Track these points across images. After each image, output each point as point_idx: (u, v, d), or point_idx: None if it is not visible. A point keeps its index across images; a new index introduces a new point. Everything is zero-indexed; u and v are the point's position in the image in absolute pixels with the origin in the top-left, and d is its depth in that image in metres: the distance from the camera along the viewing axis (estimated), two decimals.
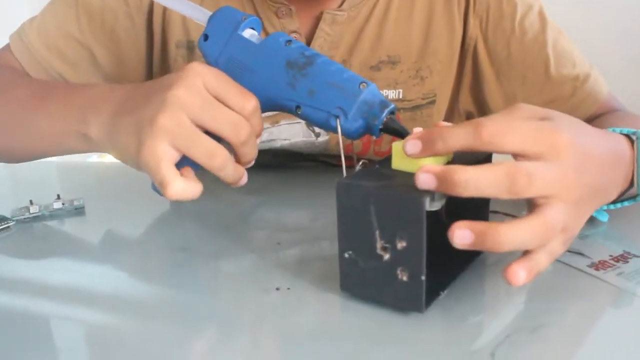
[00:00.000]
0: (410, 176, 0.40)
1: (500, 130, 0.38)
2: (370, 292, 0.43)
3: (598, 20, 1.76)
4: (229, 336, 0.41)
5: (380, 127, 0.47)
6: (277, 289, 0.46)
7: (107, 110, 0.53)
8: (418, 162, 0.41)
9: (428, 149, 0.40)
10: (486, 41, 0.75)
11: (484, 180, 0.37)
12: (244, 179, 0.53)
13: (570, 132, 0.40)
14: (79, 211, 0.65)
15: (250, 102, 0.49)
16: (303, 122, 0.73)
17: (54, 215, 0.64)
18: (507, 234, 0.37)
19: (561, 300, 0.44)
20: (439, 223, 0.39)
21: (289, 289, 0.46)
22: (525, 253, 0.39)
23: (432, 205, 0.39)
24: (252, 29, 0.54)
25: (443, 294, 0.44)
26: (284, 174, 0.78)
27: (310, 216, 0.62)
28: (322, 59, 0.50)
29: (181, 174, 0.49)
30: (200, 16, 0.55)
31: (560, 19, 0.77)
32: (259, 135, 0.52)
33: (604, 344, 0.39)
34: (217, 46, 0.53)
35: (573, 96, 0.74)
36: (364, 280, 0.43)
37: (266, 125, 0.74)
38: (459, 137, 0.39)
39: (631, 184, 0.51)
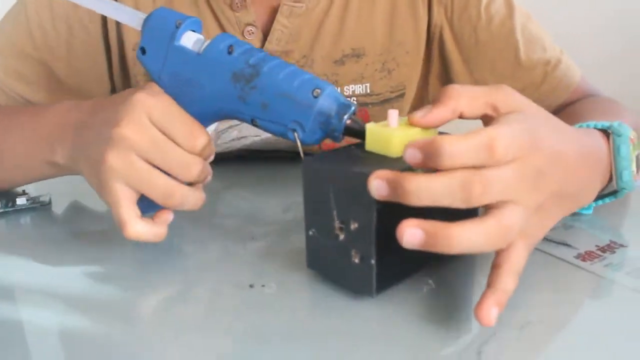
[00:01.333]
0: (380, 158, 0.40)
1: (497, 140, 0.35)
2: (331, 272, 0.44)
3: (577, 13, 1.75)
4: (202, 335, 0.39)
5: (342, 132, 0.44)
6: (251, 285, 0.44)
7: (70, 138, 0.52)
8: (390, 144, 0.40)
9: (430, 162, 0.36)
10: (452, 28, 0.72)
11: (437, 190, 0.35)
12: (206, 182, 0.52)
13: (540, 133, 0.39)
14: (45, 207, 0.63)
15: (199, 140, 0.47)
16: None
17: (19, 211, 0.61)
18: (460, 236, 0.35)
19: (548, 295, 0.43)
20: (400, 207, 0.36)
21: (263, 286, 0.44)
22: (489, 283, 0.38)
23: None
24: (193, 31, 0.49)
25: (430, 285, 0.43)
26: (256, 165, 0.75)
27: (284, 208, 0.60)
28: (268, 65, 0.45)
29: (155, 216, 0.48)
30: (134, 21, 0.50)
31: (537, 11, 0.76)
32: (210, 156, 0.50)
33: (593, 337, 0.38)
34: (156, 61, 0.49)
35: (544, 82, 0.72)
36: (325, 259, 0.43)
37: (234, 122, 0.71)
38: (470, 155, 0.35)
39: (610, 179, 0.49)
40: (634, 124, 0.54)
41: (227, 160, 0.67)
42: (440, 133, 0.42)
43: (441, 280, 0.44)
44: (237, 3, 0.68)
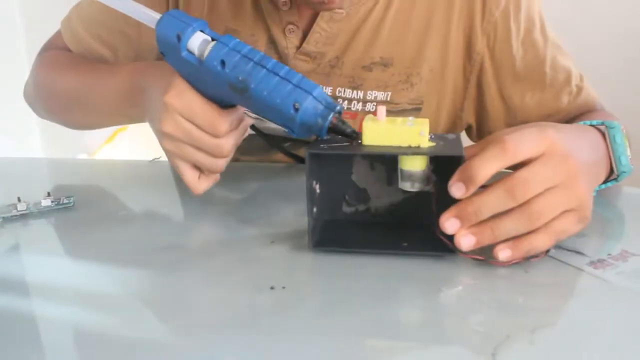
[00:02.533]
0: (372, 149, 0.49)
1: (516, 144, 0.46)
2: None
3: (595, 21, 1.76)
4: (222, 337, 0.40)
5: (327, 129, 0.50)
6: (272, 287, 0.45)
7: (141, 101, 0.64)
8: (385, 137, 0.48)
9: (466, 223, 0.46)
10: (492, 58, 0.74)
11: (492, 202, 0.45)
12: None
13: (550, 130, 0.47)
14: (68, 209, 0.64)
15: (221, 127, 0.56)
16: None
17: (43, 213, 0.63)
18: (500, 228, 0.45)
19: (561, 300, 0.44)
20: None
21: (283, 288, 0.45)
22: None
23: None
24: (202, 31, 0.54)
25: (443, 289, 0.44)
26: (274, 174, 0.77)
27: (302, 213, 0.61)
28: (255, 81, 0.51)
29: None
30: (149, 21, 0.57)
31: (557, 20, 0.77)
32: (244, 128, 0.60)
33: (604, 343, 0.39)
34: (174, 64, 0.56)
35: (564, 108, 0.75)
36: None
37: (256, 116, 0.74)
38: (491, 165, 0.45)
39: (610, 170, 0.58)
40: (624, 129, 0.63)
41: (248, 171, 0.68)
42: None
43: (453, 285, 0.45)
44: (282, 2, 0.71)
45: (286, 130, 0.52)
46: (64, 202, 0.64)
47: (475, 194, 0.45)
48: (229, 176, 0.71)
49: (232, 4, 0.74)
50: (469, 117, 0.79)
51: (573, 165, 0.47)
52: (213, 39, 0.53)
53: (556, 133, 0.47)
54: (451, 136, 0.52)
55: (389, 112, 0.73)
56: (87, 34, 0.81)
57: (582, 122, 0.59)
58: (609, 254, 0.50)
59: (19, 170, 0.83)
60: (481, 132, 0.80)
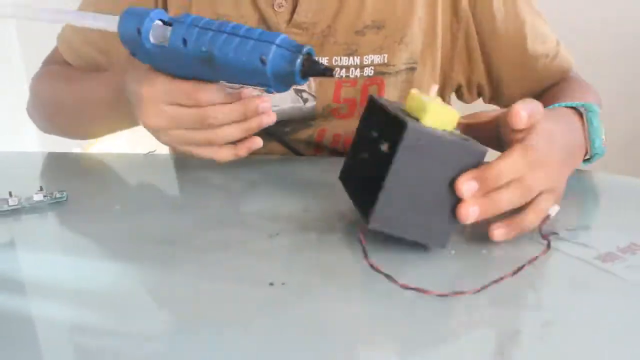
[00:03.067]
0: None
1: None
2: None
3: (593, 14, 1.75)
4: (220, 333, 0.39)
5: (301, 76, 0.50)
6: (271, 284, 0.44)
7: (126, 108, 0.64)
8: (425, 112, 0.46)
9: (484, 188, 0.45)
10: (474, 16, 0.77)
11: (507, 166, 0.46)
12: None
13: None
14: (61, 204, 0.63)
15: (199, 95, 0.57)
16: (291, 87, 0.72)
17: (35, 207, 0.61)
18: (501, 199, 0.46)
19: (570, 295, 0.43)
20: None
21: (283, 284, 0.44)
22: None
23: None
24: (161, 20, 0.55)
25: (453, 290, 0.43)
26: (276, 167, 0.75)
27: (304, 208, 0.59)
28: (217, 46, 0.52)
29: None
30: (112, 27, 0.57)
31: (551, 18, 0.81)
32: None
33: (614, 337, 0.38)
34: (143, 59, 0.57)
35: (543, 72, 0.79)
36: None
37: (256, 92, 0.74)
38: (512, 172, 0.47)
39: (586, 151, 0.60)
40: (597, 101, 0.69)
41: (248, 163, 0.67)
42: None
43: (461, 282, 0.44)
44: None
45: (262, 88, 0.53)
46: (57, 196, 0.63)
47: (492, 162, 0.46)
48: (226, 169, 0.70)
49: None
50: (459, 76, 0.81)
51: (554, 147, 0.50)
52: (170, 23, 0.54)
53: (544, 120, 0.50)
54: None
55: (386, 75, 0.75)
56: (81, 43, 0.83)
57: (563, 104, 0.61)
58: (617, 247, 0.48)
59: (11, 165, 0.81)
60: (470, 91, 0.83)
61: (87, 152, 1.78)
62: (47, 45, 0.94)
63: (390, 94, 0.76)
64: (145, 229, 0.58)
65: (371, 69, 0.75)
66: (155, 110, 0.58)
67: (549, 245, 0.46)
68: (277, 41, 0.50)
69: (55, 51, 0.89)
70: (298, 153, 0.78)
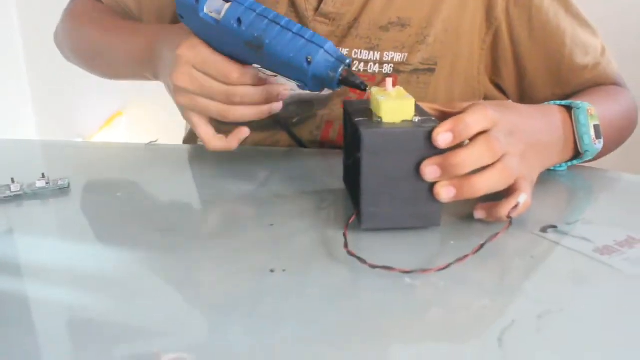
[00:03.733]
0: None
1: (489, 109, 0.50)
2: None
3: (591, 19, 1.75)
4: (222, 320, 0.40)
5: (337, 83, 0.54)
6: (272, 270, 0.44)
7: (154, 62, 0.68)
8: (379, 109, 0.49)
9: (457, 139, 0.48)
10: (510, 23, 0.74)
11: (475, 156, 0.48)
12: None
13: (499, 109, 0.52)
14: (63, 191, 0.63)
15: (232, 74, 0.59)
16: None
17: (38, 194, 0.62)
18: (480, 182, 0.48)
19: (568, 286, 0.43)
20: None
21: (284, 270, 0.44)
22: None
23: None
24: None
25: (450, 279, 0.43)
26: (276, 158, 0.76)
27: (304, 195, 0.60)
28: (270, 37, 0.54)
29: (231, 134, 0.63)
30: None
31: None
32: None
33: (610, 329, 0.38)
34: (191, 26, 0.59)
35: (579, 81, 0.76)
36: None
37: (271, 74, 0.75)
38: (477, 120, 0.49)
39: (576, 149, 0.61)
40: (626, 106, 0.71)
41: (250, 154, 0.67)
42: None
43: (458, 272, 0.44)
44: None
45: (298, 84, 0.56)
46: (59, 183, 0.63)
47: (456, 148, 0.48)
48: (227, 159, 0.70)
49: None
50: (486, 84, 0.79)
51: (516, 140, 0.52)
52: (228, 0, 0.56)
53: (503, 113, 0.52)
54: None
55: (401, 73, 0.75)
56: None
57: (551, 102, 0.62)
58: (615, 240, 0.49)
59: (12, 152, 0.81)
60: (498, 95, 0.80)
61: (89, 141, 1.78)
62: (48, 35, 0.94)
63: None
64: (147, 216, 0.58)
65: (390, 66, 0.74)
66: (187, 72, 0.60)
67: (511, 222, 0.48)
68: (326, 47, 0.54)
69: None
70: (302, 144, 0.78)
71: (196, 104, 0.61)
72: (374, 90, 0.51)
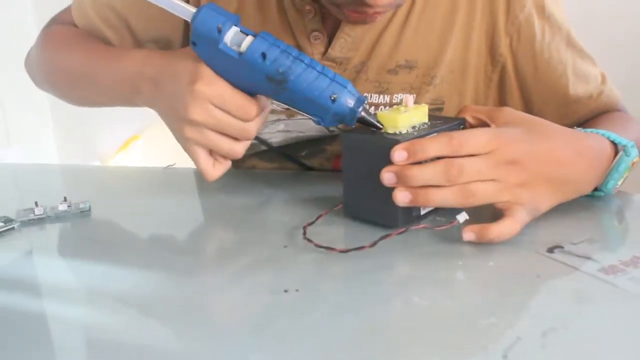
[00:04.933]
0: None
1: (462, 139, 0.53)
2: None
3: (596, 28, 1.76)
4: (237, 341, 0.41)
5: (355, 121, 0.56)
6: (286, 291, 0.46)
7: (147, 89, 0.65)
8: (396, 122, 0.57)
9: (411, 158, 0.52)
10: (515, 60, 0.75)
11: (428, 174, 0.52)
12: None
13: (518, 134, 0.55)
14: (84, 214, 0.65)
15: (251, 112, 0.59)
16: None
17: (60, 217, 0.64)
18: (434, 194, 0.53)
19: (572, 305, 0.44)
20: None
21: (297, 290, 0.46)
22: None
23: None
24: (235, 24, 0.57)
25: (453, 297, 0.44)
26: (289, 182, 0.77)
27: (313, 216, 0.61)
28: (295, 74, 0.55)
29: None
30: (186, 14, 0.58)
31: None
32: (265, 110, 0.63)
33: (615, 349, 0.39)
34: (205, 54, 0.58)
35: (585, 110, 0.77)
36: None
37: (282, 117, 0.78)
38: (435, 147, 0.52)
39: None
40: (637, 136, 0.67)
41: (262, 178, 0.69)
42: (431, 114, 0.61)
43: (464, 289, 0.46)
44: (307, 10, 0.72)
45: (315, 119, 0.57)
46: (80, 206, 0.65)
47: (416, 164, 0.52)
48: (242, 182, 0.72)
49: (259, 10, 0.75)
50: None
51: (519, 170, 0.53)
52: (247, 34, 0.57)
53: (515, 142, 0.54)
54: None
55: None
56: (95, 15, 0.81)
57: (607, 134, 0.61)
58: (620, 260, 0.50)
59: (34, 176, 0.84)
60: None
61: (106, 165, 1.81)
62: None
63: None
64: (164, 239, 0.60)
65: None
66: (203, 107, 0.58)
67: (409, 228, 0.54)
68: (348, 87, 0.56)
69: (64, 13, 0.87)
70: (308, 168, 0.80)
71: (206, 138, 0.60)
72: (395, 108, 0.59)
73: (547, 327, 0.40)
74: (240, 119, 0.59)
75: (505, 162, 0.53)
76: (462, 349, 0.39)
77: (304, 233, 0.55)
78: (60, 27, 0.85)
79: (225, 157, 0.63)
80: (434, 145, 0.52)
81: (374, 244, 0.51)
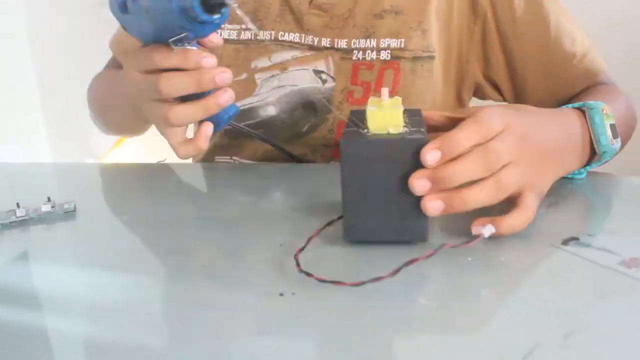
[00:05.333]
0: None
1: (486, 120, 0.47)
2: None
3: (594, 9, 1.73)
4: (231, 344, 0.38)
5: (201, 6, 0.49)
6: (281, 294, 0.43)
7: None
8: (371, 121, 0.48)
9: (446, 157, 0.45)
10: (495, 11, 0.77)
11: (468, 168, 0.45)
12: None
13: (511, 112, 0.50)
14: (69, 215, 0.62)
15: (156, 56, 0.56)
16: (310, 69, 0.79)
17: (43, 218, 0.61)
18: (468, 196, 0.46)
19: (593, 302, 0.41)
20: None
21: (293, 294, 0.43)
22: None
23: None
24: None
25: (477, 296, 0.41)
26: (284, 177, 0.74)
27: (312, 217, 0.58)
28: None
29: (196, 134, 0.61)
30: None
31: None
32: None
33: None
34: (128, 30, 0.59)
35: (569, 74, 0.77)
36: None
37: (275, 72, 0.79)
38: (469, 137, 0.46)
39: (593, 151, 0.58)
40: (626, 104, 0.70)
41: (257, 172, 0.66)
42: (410, 110, 0.52)
43: (480, 293, 0.42)
44: None
45: (184, 33, 0.52)
46: (65, 207, 0.62)
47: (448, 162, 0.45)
48: (236, 178, 0.69)
49: None
50: (475, 73, 0.80)
51: (528, 146, 0.49)
52: None
53: (516, 116, 0.50)
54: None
55: (403, 59, 0.77)
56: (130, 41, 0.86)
57: (568, 106, 0.60)
58: None
59: (21, 176, 0.81)
60: (491, 91, 0.82)
61: (99, 162, 1.79)
62: (59, 59, 0.95)
63: (408, 80, 0.76)
64: (154, 239, 0.57)
65: (388, 52, 0.76)
66: (129, 78, 0.59)
67: (437, 250, 0.44)
68: None
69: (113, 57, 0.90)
70: (296, 158, 0.78)
71: (147, 111, 0.59)
72: (370, 100, 0.50)
73: (567, 329, 0.37)
74: (153, 72, 0.56)
75: (519, 138, 0.49)
76: (479, 356, 0.35)
77: (297, 264, 0.45)
78: (103, 70, 0.91)
79: (169, 125, 0.58)
80: (467, 134, 0.46)
81: (396, 272, 0.42)
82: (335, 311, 0.41)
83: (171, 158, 0.80)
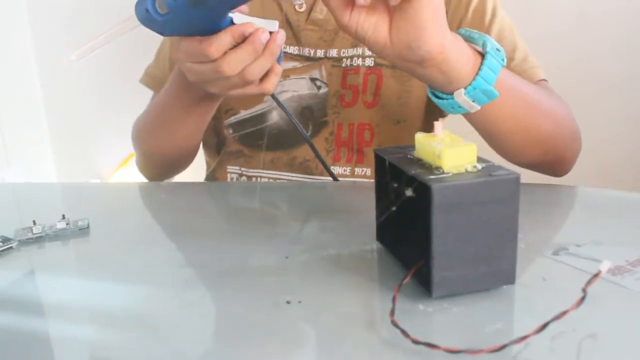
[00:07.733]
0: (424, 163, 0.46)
1: None
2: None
3: (598, 31, 1.76)
4: (240, 353, 0.40)
5: None
6: (288, 302, 0.45)
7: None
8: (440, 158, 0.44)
9: None
10: (452, 17, 0.85)
11: None
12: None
13: None
14: (83, 232, 0.64)
15: (206, 52, 0.60)
16: (307, 77, 0.89)
17: (58, 235, 0.63)
18: None
19: (580, 306, 0.43)
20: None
21: (300, 302, 0.45)
22: None
23: None
24: None
25: (460, 305, 0.43)
26: (288, 188, 0.77)
27: (320, 229, 0.61)
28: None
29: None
30: (135, 23, 0.61)
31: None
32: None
33: (625, 350, 0.38)
34: (163, 33, 0.61)
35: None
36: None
37: (280, 80, 0.86)
38: None
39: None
40: (552, 104, 0.73)
41: (265, 188, 0.68)
42: None
43: (470, 294, 0.45)
44: None
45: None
46: (79, 224, 0.65)
47: None
48: (243, 193, 0.72)
49: None
50: None
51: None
52: None
53: None
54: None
55: (384, 67, 0.86)
56: (163, 74, 0.93)
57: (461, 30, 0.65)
58: (627, 260, 0.49)
59: (33, 195, 0.83)
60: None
61: (106, 182, 1.81)
62: (65, 77, 0.97)
63: (389, 84, 0.85)
64: (164, 254, 0.59)
65: (372, 59, 0.87)
66: (186, 69, 0.64)
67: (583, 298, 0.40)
68: None
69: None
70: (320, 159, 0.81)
71: (215, 86, 0.64)
72: (421, 137, 0.47)
73: (556, 330, 0.39)
74: (209, 62, 0.60)
75: None
76: (468, 357, 0.38)
77: (397, 326, 0.40)
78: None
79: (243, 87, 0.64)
80: None
81: (542, 328, 0.38)
82: (339, 318, 0.43)
83: (178, 177, 0.83)
